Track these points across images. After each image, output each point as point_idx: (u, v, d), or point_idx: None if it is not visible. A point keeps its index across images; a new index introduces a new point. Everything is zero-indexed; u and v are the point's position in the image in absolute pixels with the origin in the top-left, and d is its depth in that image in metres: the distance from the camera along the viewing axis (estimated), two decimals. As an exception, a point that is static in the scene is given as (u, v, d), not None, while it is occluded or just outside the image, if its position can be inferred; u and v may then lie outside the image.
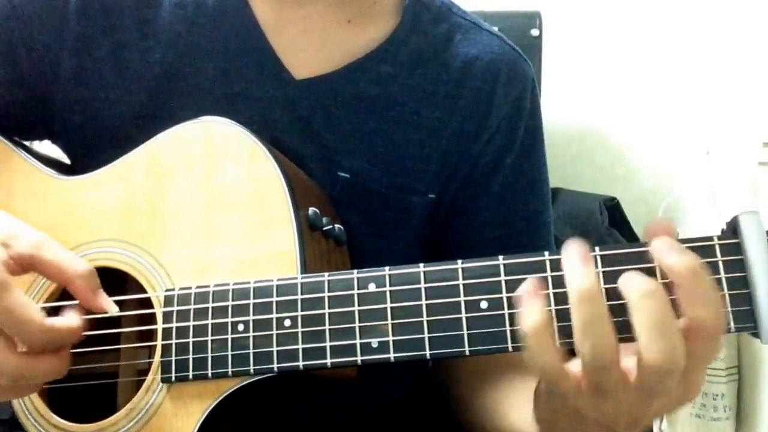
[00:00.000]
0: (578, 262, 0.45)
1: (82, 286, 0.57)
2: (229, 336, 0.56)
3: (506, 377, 0.67)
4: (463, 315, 0.50)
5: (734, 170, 1.56)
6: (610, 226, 1.65)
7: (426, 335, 0.51)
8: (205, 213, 0.62)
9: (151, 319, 0.61)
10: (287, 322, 0.55)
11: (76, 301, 0.59)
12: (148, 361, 0.61)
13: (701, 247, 0.47)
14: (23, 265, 0.56)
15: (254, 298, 0.56)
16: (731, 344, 1.57)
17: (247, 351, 0.55)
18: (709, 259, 0.46)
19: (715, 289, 0.44)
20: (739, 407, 1.58)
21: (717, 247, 0.46)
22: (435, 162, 0.73)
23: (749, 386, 1.57)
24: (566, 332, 0.47)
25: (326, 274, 0.55)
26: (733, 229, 0.47)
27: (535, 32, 1.65)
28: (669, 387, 0.45)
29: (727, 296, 0.46)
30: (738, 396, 1.58)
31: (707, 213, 1.63)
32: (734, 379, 1.57)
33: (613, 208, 1.71)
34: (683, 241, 0.47)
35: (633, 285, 0.44)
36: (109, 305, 0.58)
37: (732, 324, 0.46)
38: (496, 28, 0.79)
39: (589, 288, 0.44)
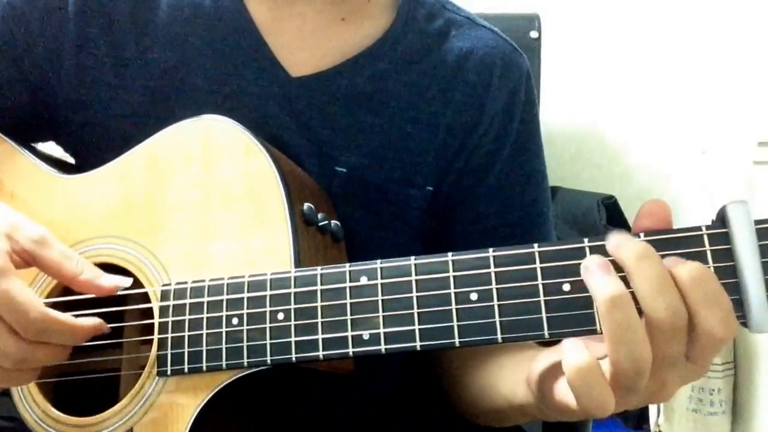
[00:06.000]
0: (600, 271, 0.45)
1: (84, 281, 0.58)
2: (224, 329, 0.57)
3: (494, 356, 0.67)
4: (453, 307, 0.50)
5: (730, 169, 1.57)
6: (608, 224, 1.66)
7: (417, 327, 0.51)
8: (202, 209, 0.63)
9: (152, 314, 0.61)
10: (280, 316, 0.55)
11: (76, 296, 0.60)
12: (145, 355, 0.61)
13: (690, 237, 0.47)
14: (25, 259, 0.57)
15: (248, 292, 0.57)
16: (727, 340, 1.57)
17: (241, 344, 0.56)
18: (697, 249, 0.46)
19: (723, 295, 0.44)
20: (734, 402, 1.59)
21: (705, 237, 0.46)
22: (432, 155, 0.73)
23: (745, 381, 1.57)
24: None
25: (319, 267, 0.55)
26: (721, 219, 0.47)
27: (534, 34, 1.64)
28: (678, 351, 0.45)
29: None
30: (734, 391, 1.58)
31: (703, 211, 1.64)
32: (730, 374, 1.57)
33: (611, 207, 1.72)
34: (672, 231, 0.47)
35: (629, 249, 0.45)
36: (118, 281, 0.59)
37: None
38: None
39: (620, 294, 0.44)
